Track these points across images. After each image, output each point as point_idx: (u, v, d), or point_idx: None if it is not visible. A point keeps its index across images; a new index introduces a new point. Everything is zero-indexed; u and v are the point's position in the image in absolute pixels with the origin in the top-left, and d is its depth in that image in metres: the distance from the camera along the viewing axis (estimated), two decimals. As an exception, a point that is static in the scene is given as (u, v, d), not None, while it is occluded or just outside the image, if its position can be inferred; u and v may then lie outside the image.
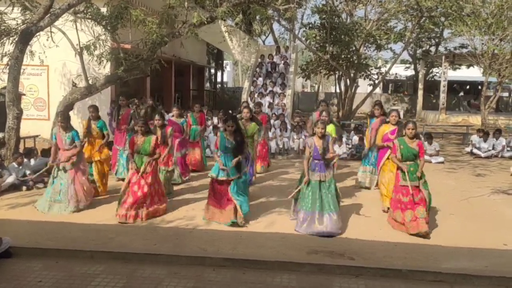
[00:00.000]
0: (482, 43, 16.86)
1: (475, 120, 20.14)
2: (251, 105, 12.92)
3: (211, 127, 12.36)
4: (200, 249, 5.23)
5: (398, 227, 6.01)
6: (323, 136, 6.02)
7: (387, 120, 7.48)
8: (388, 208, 6.74)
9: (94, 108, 7.84)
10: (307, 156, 6.03)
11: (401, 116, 7.58)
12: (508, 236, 5.84)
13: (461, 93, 32.09)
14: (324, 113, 7.90)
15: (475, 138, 12.91)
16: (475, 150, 12.51)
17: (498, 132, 12.83)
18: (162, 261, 4.93)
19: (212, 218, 6.22)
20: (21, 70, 8.82)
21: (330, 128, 7.60)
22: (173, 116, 9.04)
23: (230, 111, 13.26)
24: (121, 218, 6.20)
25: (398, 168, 6.08)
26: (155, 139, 6.55)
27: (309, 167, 6.01)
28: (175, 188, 8.09)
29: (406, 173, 5.91)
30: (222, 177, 6.16)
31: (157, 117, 7.81)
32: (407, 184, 5.89)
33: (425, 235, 5.74)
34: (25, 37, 8.44)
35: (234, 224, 6.06)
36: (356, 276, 4.68)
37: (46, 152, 9.11)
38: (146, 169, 6.39)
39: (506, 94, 30.67)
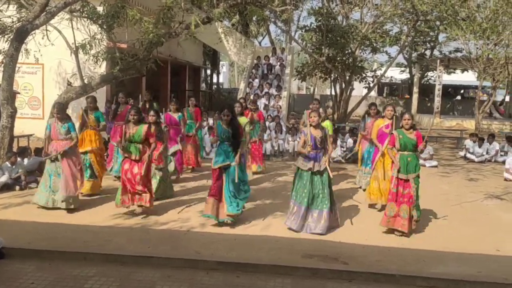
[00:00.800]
0: (477, 48, 16.97)
1: (469, 124, 20.26)
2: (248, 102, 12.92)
3: (206, 128, 12.34)
4: (194, 252, 5.22)
5: (384, 222, 6.05)
6: (319, 126, 6.04)
7: (383, 115, 7.57)
8: (373, 204, 7.16)
9: (92, 99, 7.88)
10: (301, 144, 6.02)
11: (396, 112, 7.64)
12: (501, 241, 5.88)
13: (458, 97, 32.29)
14: (320, 110, 7.97)
15: (468, 142, 12.99)
16: (468, 155, 12.58)
17: (491, 137, 12.92)
18: (155, 263, 4.91)
19: (205, 210, 6.22)
20: (16, 69, 8.77)
21: (326, 124, 7.63)
22: (170, 110, 9.06)
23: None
24: (123, 204, 6.31)
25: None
26: (147, 127, 6.50)
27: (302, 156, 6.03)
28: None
29: (399, 166, 5.95)
30: (218, 164, 6.16)
31: (151, 113, 7.79)
32: (403, 177, 5.95)
33: (403, 234, 5.83)
34: (20, 35, 8.38)
35: (221, 223, 6.10)
36: (349, 280, 4.69)
37: (39, 151, 9.07)
38: (142, 157, 6.38)
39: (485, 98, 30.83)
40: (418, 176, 6.02)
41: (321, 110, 7.98)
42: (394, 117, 7.23)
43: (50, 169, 6.79)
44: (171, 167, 8.59)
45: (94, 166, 7.64)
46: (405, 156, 5.99)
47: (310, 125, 6.03)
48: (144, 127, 6.45)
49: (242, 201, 6.31)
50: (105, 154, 8.57)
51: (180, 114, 9.08)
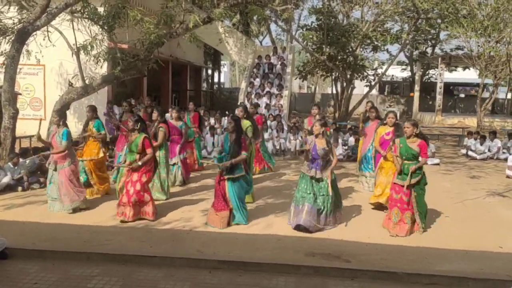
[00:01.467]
0: (478, 45, 16.94)
1: (471, 122, 20.22)
2: (248, 106, 12.93)
3: (207, 127, 12.34)
4: (196, 251, 5.23)
5: (385, 224, 6.13)
6: (323, 135, 6.04)
7: (384, 122, 7.48)
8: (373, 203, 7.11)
9: (90, 108, 7.84)
10: (306, 149, 6.11)
11: (398, 117, 7.58)
12: (503, 238, 5.87)
13: (461, 95, 32.17)
14: (317, 116, 7.96)
15: (468, 141, 12.98)
16: (470, 153, 12.56)
17: (493, 134, 12.90)
18: (158, 263, 4.92)
19: (209, 221, 6.17)
20: (18, 70, 8.79)
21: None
22: (172, 119, 9.01)
23: (226, 112, 13.28)
24: (119, 216, 6.21)
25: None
26: (144, 138, 6.35)
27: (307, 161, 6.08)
28: (173, 190, 8.05)
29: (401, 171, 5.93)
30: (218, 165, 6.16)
31: (155, 111, 7.80)
32: (399, 182, 5.95)
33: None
34: (22, 36, 8.41)
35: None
36: (352, 278, 4.69)
37: (37, 151, 9.05)
38: (134, 166, 6.27)
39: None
40: (419, 183, 5.98)
41: (317, 117, 7.94)
42: (395, 124, 7.18)
43: (50, 176, 6.80)
44: (179, 175, 8.58)
45: (89, 175, 7.54)
46: (405, 165, 5.95)
47: (310, 132, 6.07)
48: (141, 137, 6.31)
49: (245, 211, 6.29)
50: (110, 161, 8.56)
51: (182, 123, 8.87)
